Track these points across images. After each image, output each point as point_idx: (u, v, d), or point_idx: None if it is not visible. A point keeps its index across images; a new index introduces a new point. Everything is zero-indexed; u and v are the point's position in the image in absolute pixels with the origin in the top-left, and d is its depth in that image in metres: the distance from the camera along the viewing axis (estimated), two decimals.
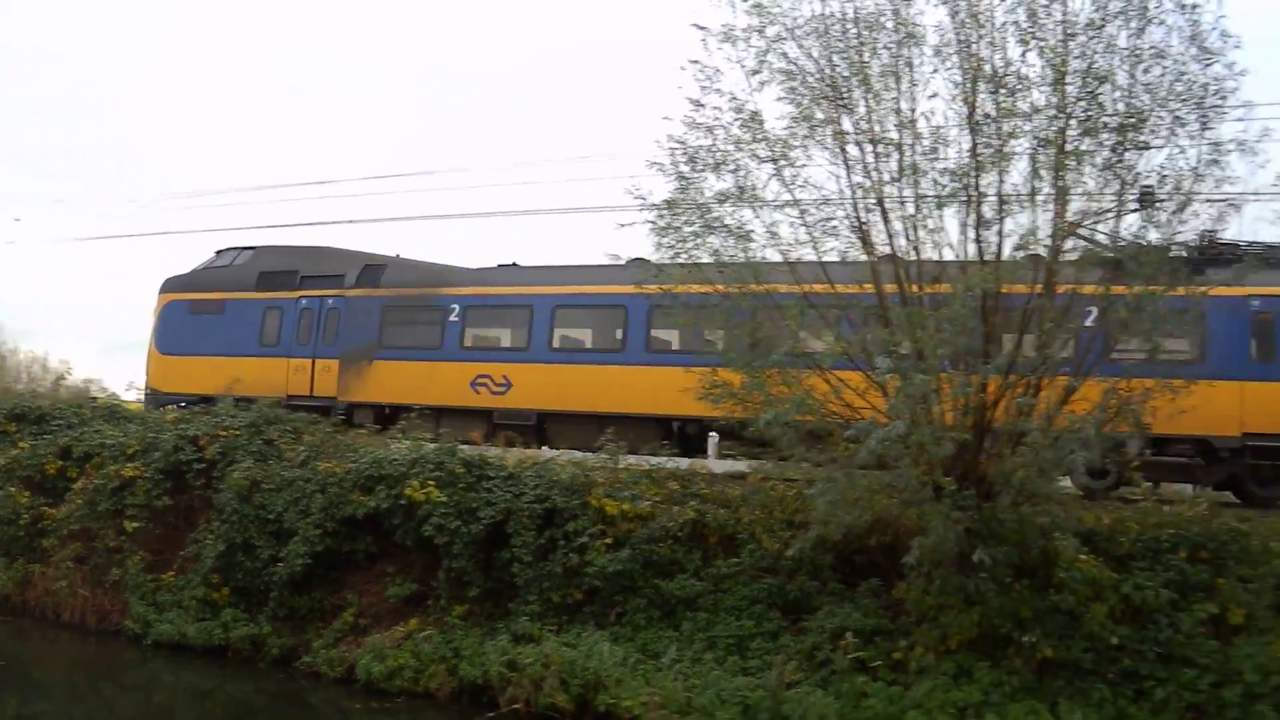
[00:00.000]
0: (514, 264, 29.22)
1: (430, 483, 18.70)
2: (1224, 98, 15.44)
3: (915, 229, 15.79)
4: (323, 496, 19.89)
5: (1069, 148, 15.42)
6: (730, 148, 16.30)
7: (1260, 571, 15.61)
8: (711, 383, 16.34)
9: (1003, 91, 15.54)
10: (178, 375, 31.24)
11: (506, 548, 18.09)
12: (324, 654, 18.86)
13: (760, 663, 15.74)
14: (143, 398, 31.89)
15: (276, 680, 18.88)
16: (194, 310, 31.54)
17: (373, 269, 29.90)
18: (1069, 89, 15.42)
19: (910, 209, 15.76)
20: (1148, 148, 15.55)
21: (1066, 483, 17.63)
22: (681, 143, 16.51)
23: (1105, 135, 15.45)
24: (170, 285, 32.63)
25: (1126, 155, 15.50)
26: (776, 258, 16.46)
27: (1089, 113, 15.44)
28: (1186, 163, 15.42)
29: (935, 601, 15.33)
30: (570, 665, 16.24)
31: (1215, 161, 15.36)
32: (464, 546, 18.12)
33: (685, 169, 16.50)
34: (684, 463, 20.72)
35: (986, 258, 15.51)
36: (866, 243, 15.94)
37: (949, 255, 15.86)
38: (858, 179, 15.99)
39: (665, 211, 16.59)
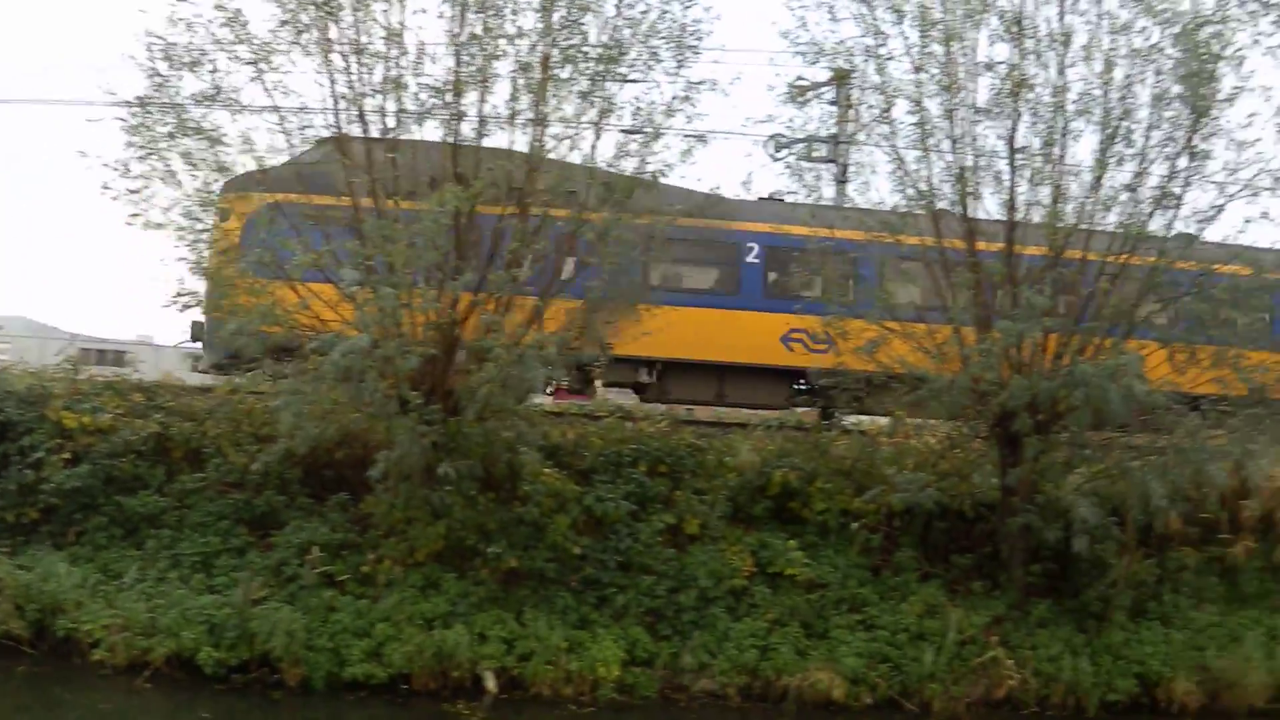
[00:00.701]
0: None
1: None
2: (700, 39, 16.47)
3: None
4: None
5: (550, 74, 15.84)
6: (210, 47, 15.58)
7: (714, 484, 17.12)
8: (180, 290, 15.67)
9: (490, 12, 15.73)
10: None
11: None
12: None
13: (227, 580, 15.37)
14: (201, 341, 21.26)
15: None
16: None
17: None
18: (555, 16, 15.86)
19: (392, 122, 15.68)
20: (626, 80, 16.29)
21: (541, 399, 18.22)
22: (160, 39, 15.61)
23: (586, 64, 16.02)
24: (260, 183, 18.97)
25: (606, 85, 16.15)
26: (251, 164, 15.96)
27: (571, 41, 15.93)
28: (661, 97, 16.31)
29: (402, 515, 15.57)
30: (26, 589, 15.16)
31: (688, 98, 16.37)
32: None
33: (161, 65, 15.62)
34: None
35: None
36: (346, 153, 15.69)
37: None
38: (341, 89, 15.70)
39: (138, 110, 15.65)
